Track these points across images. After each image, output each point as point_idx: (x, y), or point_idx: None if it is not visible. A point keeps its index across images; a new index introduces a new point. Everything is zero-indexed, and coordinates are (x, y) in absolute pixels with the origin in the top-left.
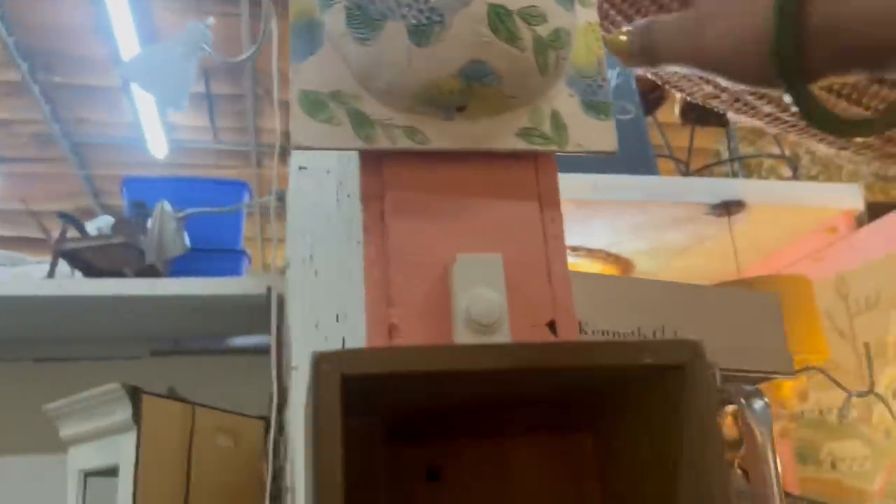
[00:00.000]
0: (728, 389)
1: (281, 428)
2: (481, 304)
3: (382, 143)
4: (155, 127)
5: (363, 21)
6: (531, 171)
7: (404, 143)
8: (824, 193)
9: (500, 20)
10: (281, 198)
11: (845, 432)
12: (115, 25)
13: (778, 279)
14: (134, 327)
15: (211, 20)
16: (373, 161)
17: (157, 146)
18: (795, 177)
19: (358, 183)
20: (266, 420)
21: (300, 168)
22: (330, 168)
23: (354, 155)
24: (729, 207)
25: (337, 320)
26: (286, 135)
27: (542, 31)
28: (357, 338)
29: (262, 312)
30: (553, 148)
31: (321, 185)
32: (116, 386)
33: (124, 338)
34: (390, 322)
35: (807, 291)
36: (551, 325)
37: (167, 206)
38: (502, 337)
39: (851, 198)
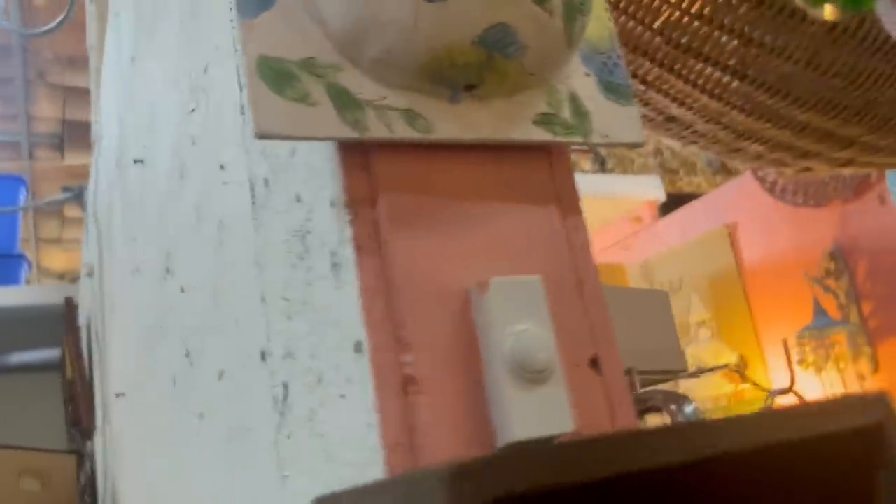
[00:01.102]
0: (654, 396)
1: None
2: (530, 345)
3: (377, 130)
4: None
5: None
6: (545, 168)
7: (404, 131)
8: (631, 185)
9: None
10: (79, 195)
11: None
12: None
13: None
14: None
15: None
16: (357, 154)
17: None
18: (603, 169)
19: (304, 182)
20: (78, 454)
21: (136, 161)
22: (225, 162)
23: (277, 146)
24: None
25: (262, 358)
26: (64, 123)
27: None
28: (316, 388)
29: (48, 326)
30: (577, 139)
31: (201, 180)
32: None
33: None
34: (404, 373)
35: (622, 278)
36: (594, 363)
37: None
38: (556, 385)
39: (654, 189)
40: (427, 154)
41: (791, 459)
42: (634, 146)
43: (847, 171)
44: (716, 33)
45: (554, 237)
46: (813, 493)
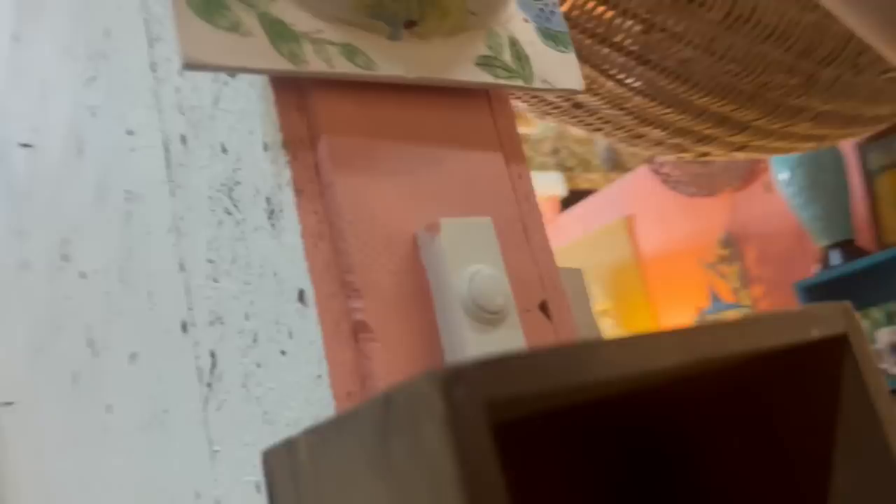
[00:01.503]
0: None
1: None
2: (485, 286)
3: (315, 64)
4: None
5: None
6: (486, 113)
7: (344, 66)
8: (535, 181)
9: None
10: None
11: None
12: None
13: None
14: None
15: None
16: (293, 92)
17: None
18: None
19: (231, 129)
20: None
21: (23, 146)
22: (134, 128)
23: (197, 97)
24: None
25: (184, 330)
26: None
27: None
28: (251, 349)
29: None
30: (518, 83)
31: (103, 152)
32: None
33: None
34: (354, 319)
35: None
36: (543, 307)
37: None
38: (511, 327)
39: (557, 185)
40: (367, 93)
41: (755, 371)
42: (574, 93)
43: (741, 156)
44: (619, 19)
45: (499, 183)
46: (777, 405)
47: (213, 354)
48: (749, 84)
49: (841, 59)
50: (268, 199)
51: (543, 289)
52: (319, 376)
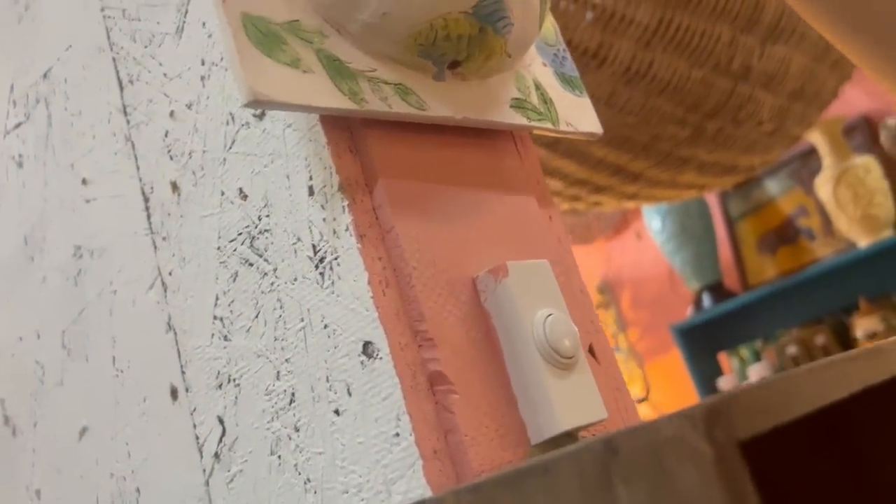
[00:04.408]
0: None
1: None
2: (559, 329)
3: (374, 104)
4: None
5: None
6: (515, 155)
7: (400, 106)
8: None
9: None
10: None
11: None
12: None
13: None
14: None
15: None
16: (345, 132)
17: None
18: None
19: (255, 174)
20: None
21: None
22: (91, 177)
23: (198, 142)
24: None
25: (174, 396)
26: None
27: None
28: (286, 411)
29: None
30: (547, 125)
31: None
32: None
33: None
34: (430, 370)
35: None
36: (591, 350)
37: None
38: (583, 371)
39: None
40: (413, 134)
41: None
42: (593, 136)
43: (631, 205)
44: None
45: (536, 225)
46: None
47: (221, 421)
48: (644, 134)
49: (724, 113)
50: (314, 247)
51: (587, 332)
52: (397, 434)
